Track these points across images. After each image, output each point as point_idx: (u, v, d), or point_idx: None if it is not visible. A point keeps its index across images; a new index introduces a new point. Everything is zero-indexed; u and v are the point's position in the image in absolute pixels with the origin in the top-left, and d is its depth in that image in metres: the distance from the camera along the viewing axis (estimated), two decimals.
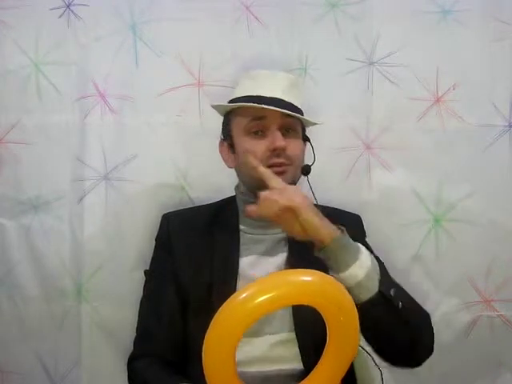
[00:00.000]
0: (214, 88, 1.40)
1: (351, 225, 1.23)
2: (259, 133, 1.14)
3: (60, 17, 1.41)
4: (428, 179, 1.40)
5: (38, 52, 1.41)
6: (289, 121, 1.14)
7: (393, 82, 1.40)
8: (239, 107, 1.17)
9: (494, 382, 1.39)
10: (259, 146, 1.13)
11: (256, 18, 1.41)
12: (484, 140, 1.39)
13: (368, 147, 1.41)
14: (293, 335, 1.13)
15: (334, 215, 1.23)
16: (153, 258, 1.24)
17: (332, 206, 1.29)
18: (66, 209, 1.41)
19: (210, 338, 0.86)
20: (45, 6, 1.41)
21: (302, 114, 1.17)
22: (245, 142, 1.16)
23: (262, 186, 1.13)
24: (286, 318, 1.14)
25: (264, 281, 0.91)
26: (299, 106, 1.17)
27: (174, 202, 1.39)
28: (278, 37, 1.41)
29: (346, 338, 0.92)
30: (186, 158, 1.42)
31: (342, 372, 0.94)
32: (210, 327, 0.87)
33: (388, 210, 1.40)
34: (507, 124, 1.38)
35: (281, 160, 1.13)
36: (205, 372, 0.88)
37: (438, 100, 1.39)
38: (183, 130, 1.41)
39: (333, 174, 1.40)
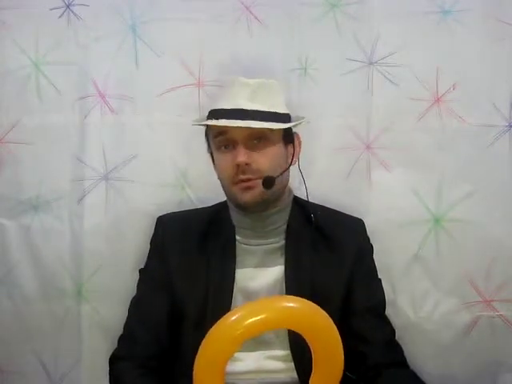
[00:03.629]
0: (214, 88, 1.39)
1: (354, 231, 1.24)
2: (227, 147, 1.12)
3: (60, 17, 1.41)
4: (428, 179, 1.39)
5: (38, 52, 1.41)
6: (256, 130, 1.10)
7: (393, 82, 1.39)
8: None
9: (494, 382, 1.39)
10: (227, 162, 1.12)
11: (256, 18, 1.41)
12: (484, 140, 1.38)
13: (368, 147, 1.41)
14: (288, 352, 1.14)
15: (337, 219, 1.24)
16: (147, 261, 1.25)
17: (332, 206, 1.29)
18: (66, 209, 1.41)
19: (200, 360, 0.89)
20: (45, 6, 1.41)
21: (280, 117, 1.13)
22: (216, 157, 1.16)
23: (233, 198, 1.14)
24: (282, 336, 1.14)
25: (252, 305, 0.95)
26: (274, 110, 1.12)
27: (174, 201, 1.39)
28: (278, 37, 1.40)
29: (330, 363, 0.95)
30: (185, 157, 1.42)
31: None
32: (200, 349, 0.89)
33: (388, 209, 1.39)
34: (507, 124, 1.38)
35: (246, 176, 1.10)
36: None
37: (437, 100, 1.39)
38: (183, 129, 1.41)
39: (333, 173, 1.40)
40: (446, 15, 1.39)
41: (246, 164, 1.09)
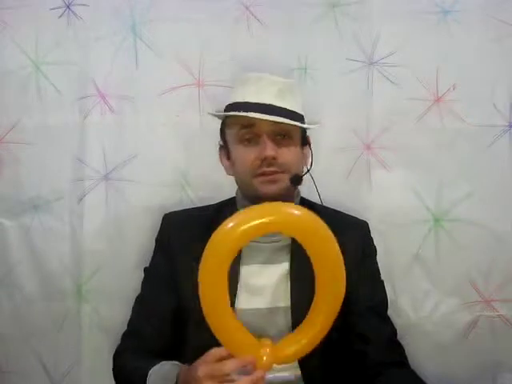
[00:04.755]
0: (214, 88, 1.40)
1: (359, 232, 1.24)
2: (251, 140, 1.13)
3: (60, 17, 1.42)
4: (428, 179, 1.40)
5: (37, 52, 1.41)
6: (282, 126, 1.11)
7: (393, 82, 1.40)
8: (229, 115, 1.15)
9: (494, 382, 1.39)
10: (250, 155, 1.12)
11: (256, 18, 1.41)
12: (484, 140, 1.38)
13: (368, 147, 1.41)
14: None
15: (341, 220, 1.24)
16: (152, 258, 1.25)
17: (332, 206, 1.29)
18: (66, 209, 1.41)
19: (205, 259, 0.93)
20: (45, 6, 1.41)
21: (301, 118, 1.15)
22: (237, 150, 1.15)
23: (255, 195, 1.13)
24: (286, 333, 1.13)
25: (256, 208, 0.96)
26: (296, 110, 1.14)
27: (174, 201, 1.39)
28: (278, 37, 1.41)
29: (332, 273, 0.96)
30: (185, 157, 1.42)
31: (333, 314, 0.97)
32: (205, 250, 0.93)
33: (388, 209, 1.39)
34: (507, 124, 1.38)
35: (272, 169, 1.11)
36: (200, 295, 0.94)
37: (438, 100, 1.39)
38: (183, 129, 1.41)
39: (333, 174, 1.40)
40: (446, 15, 1.39)
41: (273, 158, 1.10)
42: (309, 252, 0.95)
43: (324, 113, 1.38)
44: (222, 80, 1.39)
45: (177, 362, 1.02)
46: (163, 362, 1.02)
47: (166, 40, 1.41)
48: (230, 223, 0.92)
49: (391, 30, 1.39)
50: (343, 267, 0.96)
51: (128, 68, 1.41)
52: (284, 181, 1.12)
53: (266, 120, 1.09)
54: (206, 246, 0.93)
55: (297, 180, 1.14)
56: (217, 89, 1.39)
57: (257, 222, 0.91)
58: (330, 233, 0.95)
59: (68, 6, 1.41)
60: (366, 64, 1.40)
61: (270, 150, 1.10)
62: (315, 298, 0.97)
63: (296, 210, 0.96)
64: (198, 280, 0.93)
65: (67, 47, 1.41)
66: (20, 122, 1.41)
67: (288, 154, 1.13)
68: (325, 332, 0.97)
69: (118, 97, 1.41)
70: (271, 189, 1.12)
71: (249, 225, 0.91)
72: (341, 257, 0.95)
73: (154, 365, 1.02)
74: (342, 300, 0.97)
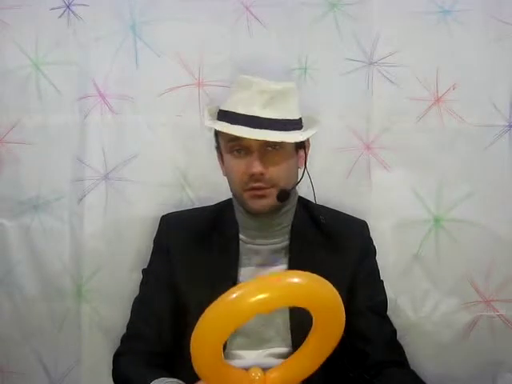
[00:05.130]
0: (214, 88, 1.40)
1: (358, 232, 1.24)
2: (240, 151, 1.11)
3: (60, 17, 1.41)
4: (428, 179, 1.40)
5: (37, 52, 1.41)
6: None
7: (393, 82, 1.39)
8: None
9: (494, 382, 1.39)
10: (240, 167, 1.11)
11: (256, 18, 1.41)
12: (484, 140, 1.38)
13: (368, 147, 1.41)
14: (289, 349, 1.15)
15: (340, 220, 1.24)
16: (150, 260, 1.25)
17: (332, 206, 1.29)
18: (66, 209, 1.41)
19: (198, 336, 0.88)
20: (45, 6, 1.41)
21: (296, 124, 1.13)
22: (228, 160, 1.15)
23: (243, 203, 1.14)
24: (284, 334, 1.15)
25: (255, 282, 0.92)
26: (290, 117, 1.12)
27: (174, 201, 1.39)
28: (278, 37, 1.40)
29: (331, 332, 0.94)
30: (185, 157, 1.42)
31: (324, 357, 0.96)
32: (198, 323, 0.87)
33: (388, 209, 1.39)
34: (507, 124, 1.38)
35: (259, 184, 1.10)
36: (194, 366, 0.89)
37: (438, 100, 1.39)
38: (183, 130, 1.41)
39: (333, 174, 1.40)
40: (446, 15, 1.39)
41: (261, 173, 1.09)
42: (312, 314, 0.92)
43: (324, 113, 1.38)
44: (221, 80, 1.39)
45: (175, 380, 1.01)
46: (161, 379, 1.01)
47: (165, 40, 1.41)
48: (231, 295, 0.87)
49: (391, 30, 1.39)
50: (343, 321, 0.94)
51: (128, 68, 1.41)
52: (273, 195, 1.11)
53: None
54: (203, 314, 0.88)
55: (283, 196, 1.12)
56: (217, 89, 1.39)
57: (261, 296, 0.85)
58: (336, 296, 0.92)
59: (68, 6, 1.41)
60: (366, 64, 1.40)
61: (256, 166, 1.08)
62: (312, 331, 0.95)
63: (297, 279, 0.90)
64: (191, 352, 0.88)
65: (67, 47, 1.41)
66: (20, 122, 1.41)
67: (277, 169, 1.11)
68: (320, 363, 0.96)
69: (118, 97, 1.41)
70: (260, 204, 1.12)
71: (253, 299, 0.85)
72: (342, 311, 0.93)
73: (152, 379, 1.01)
74: (339, 339, 0.95)
